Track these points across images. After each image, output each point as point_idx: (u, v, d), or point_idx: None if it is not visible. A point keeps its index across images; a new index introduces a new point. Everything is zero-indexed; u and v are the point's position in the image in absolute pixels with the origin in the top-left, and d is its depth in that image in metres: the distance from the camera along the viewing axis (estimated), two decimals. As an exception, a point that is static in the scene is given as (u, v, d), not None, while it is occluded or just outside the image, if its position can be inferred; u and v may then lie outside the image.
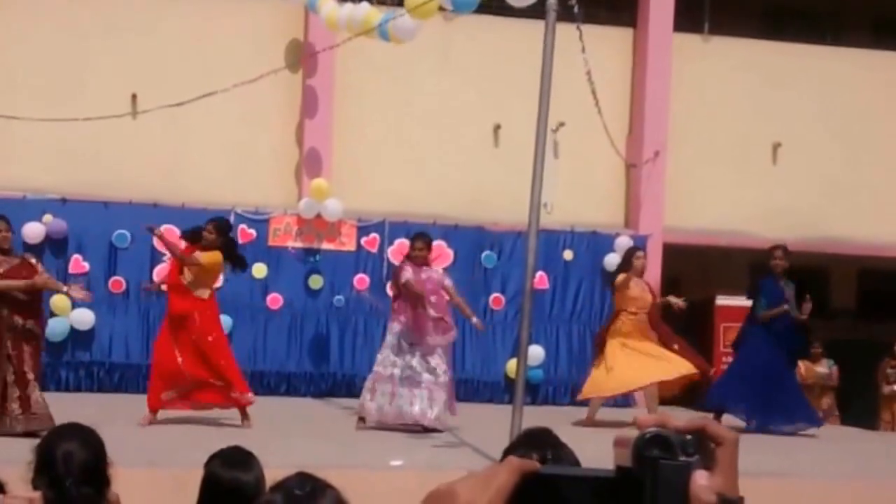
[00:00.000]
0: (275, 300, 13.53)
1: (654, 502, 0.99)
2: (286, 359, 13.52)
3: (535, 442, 3.00)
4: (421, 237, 10.70)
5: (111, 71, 13.57)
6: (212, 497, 3.49)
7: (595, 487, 1.02)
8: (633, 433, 1.02)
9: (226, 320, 13.26)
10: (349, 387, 13.15)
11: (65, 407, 8.67)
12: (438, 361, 10.37)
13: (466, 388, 14.08)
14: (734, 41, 15.46)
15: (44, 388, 12.50)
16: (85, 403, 10.56)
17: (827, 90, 15.54)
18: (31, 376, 9.05)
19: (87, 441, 3.41)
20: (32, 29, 13.45)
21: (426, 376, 10.30)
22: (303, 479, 2.48)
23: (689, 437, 1.01)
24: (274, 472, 2.78)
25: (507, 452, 2.83)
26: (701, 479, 0.99)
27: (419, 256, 10.41)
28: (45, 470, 3.28)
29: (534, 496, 1.02)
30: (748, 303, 14.92)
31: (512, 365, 13.65)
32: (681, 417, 1.05)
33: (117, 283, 13.18)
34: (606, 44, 14.58)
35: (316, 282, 13.67)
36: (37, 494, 1.34)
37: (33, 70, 13.39)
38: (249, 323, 13.46)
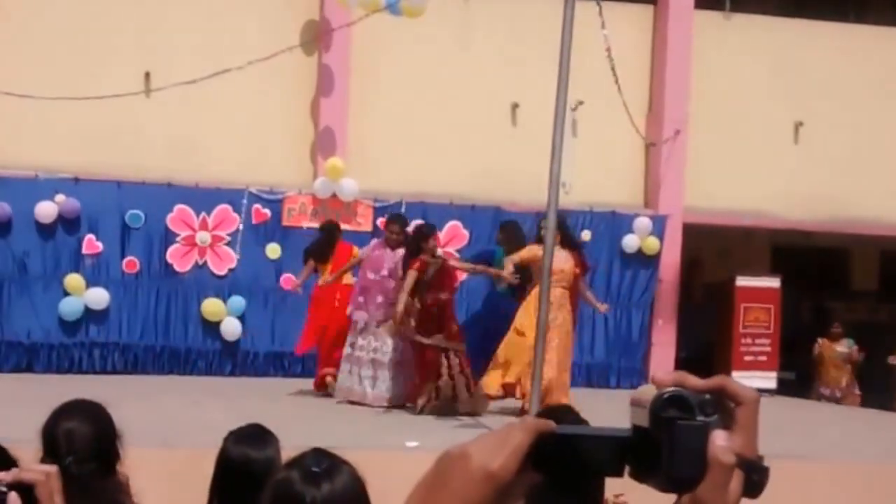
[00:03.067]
0: (288, 281, 13.41)
1: (671, 463, 0.98)
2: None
3: (557, 419, 2.89)
4: (396, 220, 11.26)
5: (124, 49, 13.45)
6: (224, 474, 3.43)
7: (612, 448, 1.01)
8: (650, 392, 0.99)
9: (239, 301, 13.21)
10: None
11: (78, 387, 8.57)
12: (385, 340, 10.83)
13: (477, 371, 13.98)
14: (756, 18, 15.25)
15: (57, 369, 12.61)
16: (99, 384, 10.48)
17: (850, 68, 15.34)
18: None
19: (91, 417, 3.32)
20: (45, 7, 13.34)
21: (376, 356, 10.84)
22: (319, 455, 2.42)
23: (707, 396, 0.99)
24: (290, 452, 2.72)
25: None
26: (720, 440, 0.98)
27: (392, 239, 10.89)
28: (49, 449, 3.20)
29: (549, 457, 1.00)
30: (770, 283, 14.82)
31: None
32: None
33: (131, 263, 13.09)
34: (626, 21, 14.40)
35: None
36: (53, 468, 1.26)
37: (46, 49, 13.28)
38: (263, 304, 13.37)
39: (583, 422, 3.01)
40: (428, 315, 10.48)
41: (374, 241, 11.32)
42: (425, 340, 10.43)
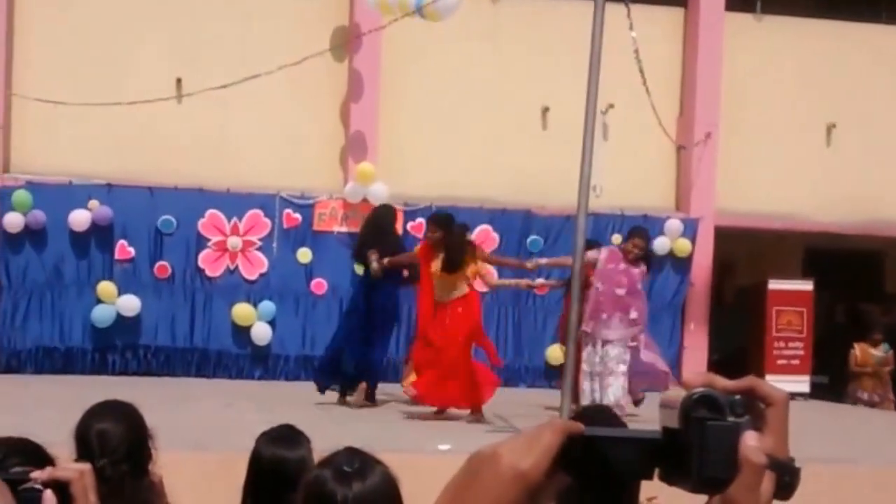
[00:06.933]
0: (319, 285, 13.45)
1: (702, 464, 0.97)
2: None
3: (593, 420, 2.88)
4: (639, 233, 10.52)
5: (156, 55, 13.54)
6: (256, 474, 3.44)
7: (641, 450, 1.01)
8: (679, 394, 0.99)
9: (269, 306, 13.25)
10: (395, 372, 13.06)
11: (111, 390, 8.61)
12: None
13: (508, 374, 13.94)
14: (787, 20, 15.16)
15: (91, 372, 12.72)
16: (131, 387, 10.53)
17: (882, 69, 15.22)
18: None
19: (123, 417, 3.34)
20: (76, 14, 13.44)
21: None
22: (352, 454, 2.42)
23: (737, 397, 1.00)
24: (322, 455, 2.71)
25: None
26: (751, 440, 0.98)
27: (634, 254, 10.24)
28: (83, 451, 3.21)
29: (579, 458, 1.00)
30: (803, 286, 14.70)
31: (552, 351, 13.53)
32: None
33: (163, 268, 13.18)
34: (657, 24, 14.34)
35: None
36: (87, 466, 1.27)
37: (78, 56, 13.39)
38: (294, 308, 13.41)
39: (620, 423, 2.98)
40: None
41: (608, 252, 10.58)
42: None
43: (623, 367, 10.17)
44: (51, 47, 13.37)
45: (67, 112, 12.72)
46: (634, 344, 10.29)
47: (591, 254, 10.31)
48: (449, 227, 10.22)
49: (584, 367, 10.10)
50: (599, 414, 3.36)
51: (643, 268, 10.40)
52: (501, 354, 13.97)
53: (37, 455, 2.47)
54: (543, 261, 11.09)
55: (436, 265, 10.06)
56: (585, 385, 10.14)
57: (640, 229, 10.88)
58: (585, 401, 9.98)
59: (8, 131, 13.20)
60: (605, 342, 10.19)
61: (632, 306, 10.25)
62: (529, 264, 10.87)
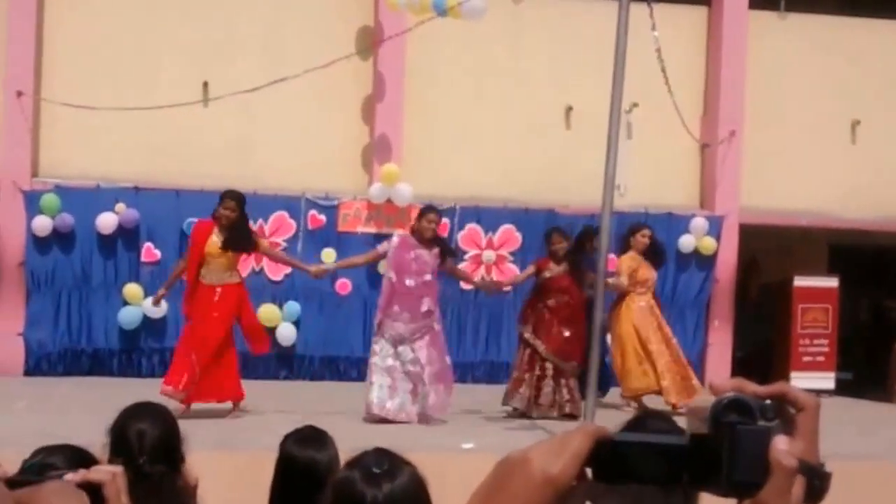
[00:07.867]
0: (343, 286, 13.50)
1: (732, 468, 0.97)
2: (356, 344, 13.48)
3: (642, 425, 2.80)
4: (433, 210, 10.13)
5: (183, 59, 13.62)
6: (287, 476, 3.46)
7: (669, 455, 1.01)
8: (707, 400, 1.00)
9: (295, 306, 13.31)
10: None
11: (139, 391, 8.70)
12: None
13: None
14: (811, 18, 15.10)
15: (118, 374, 12.82)
16: (157, 387, 10.61)
17: (907, 66, 15.13)
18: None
19: (160, 419, 3.37)
20: (103, 18, 13.54)
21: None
22: (380, 455, 2.42)
23: (768, 401, 1.00)
24: (345, 456, 2.72)
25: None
26: (781, 444, 0.97)
27: (427, 229, 9.80)
28: (119, 449, 3.25)
29: (608, 463, 1.01)
30: (828, 283, 14.65)
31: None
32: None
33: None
34: (681, 23, 14.33)
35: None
36: (119, 468, 1.28)
37: (105, 60, 13.48)
38: (318, 309, 13.46)
39: (676, 428, 2.90)
40: (541, 316, 10.46)
41: (399, 239, 9.98)
42: (528, 337, 10.43)
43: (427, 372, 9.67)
44: (78, 52, 13.47)
45: (95, 116, 12.83)
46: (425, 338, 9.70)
47: (382, 246, 10.19)
48: (244, 209, 9.81)
49: (377, 360, 9.66)
50: (652, 419, 3.27)
51: (436, 250, 9.84)
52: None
53: (81, 456, 2.50)
54: (330, 265, 10.96)
55: (216, 244, 9.72)
56: (375, 378, 9.67)
57: (430, 206, 10.38)
58: (373, 395, 9.62)
59: (36, 136, 13.32)
60: (399, 341, 9.64)
61: (424, 297, 9.70)
62: (313, 268, 10.35)
